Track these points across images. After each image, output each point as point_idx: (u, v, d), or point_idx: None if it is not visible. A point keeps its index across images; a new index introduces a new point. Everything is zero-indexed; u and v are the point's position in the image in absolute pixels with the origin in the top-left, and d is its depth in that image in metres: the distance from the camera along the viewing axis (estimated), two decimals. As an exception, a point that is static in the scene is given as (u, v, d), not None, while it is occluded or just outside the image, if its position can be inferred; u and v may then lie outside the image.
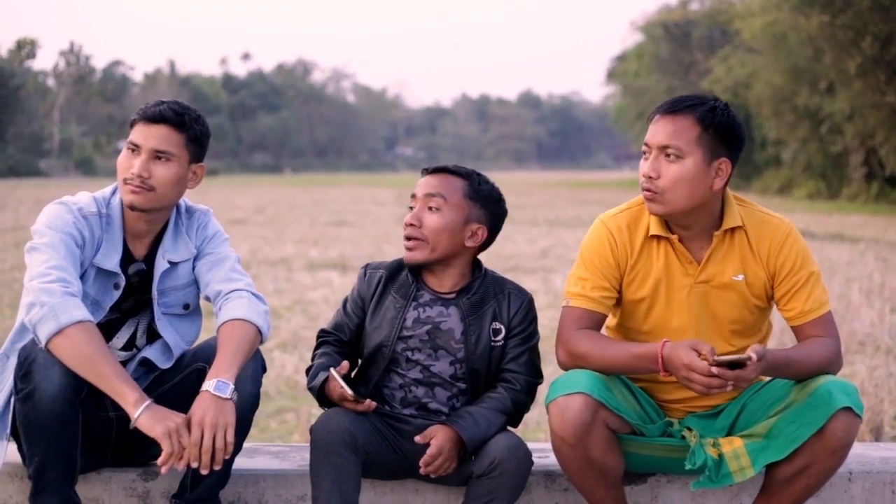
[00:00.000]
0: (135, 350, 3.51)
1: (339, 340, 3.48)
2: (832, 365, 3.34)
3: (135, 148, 3.42)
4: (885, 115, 30.79)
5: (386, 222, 21.73)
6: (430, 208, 3.41)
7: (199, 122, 3.49)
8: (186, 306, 3.57)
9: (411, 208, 3.44)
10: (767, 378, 3.42)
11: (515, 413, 3.40)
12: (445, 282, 3.45)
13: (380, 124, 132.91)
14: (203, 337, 3.60)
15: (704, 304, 3.36)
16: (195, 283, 3.57)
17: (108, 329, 3.42)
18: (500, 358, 3.42)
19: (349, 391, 3.23)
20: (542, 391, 3.35)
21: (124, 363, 3.42)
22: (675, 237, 3.38)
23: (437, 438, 3.23)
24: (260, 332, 3.35)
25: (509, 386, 3.39)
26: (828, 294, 3.42)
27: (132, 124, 3.46)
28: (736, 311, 3.36)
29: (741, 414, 3.37)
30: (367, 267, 3.53)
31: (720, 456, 3.26)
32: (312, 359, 3.48)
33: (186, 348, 3.57)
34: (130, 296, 3.49)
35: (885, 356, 7.25)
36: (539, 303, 10.25)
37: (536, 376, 3.45)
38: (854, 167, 35.86)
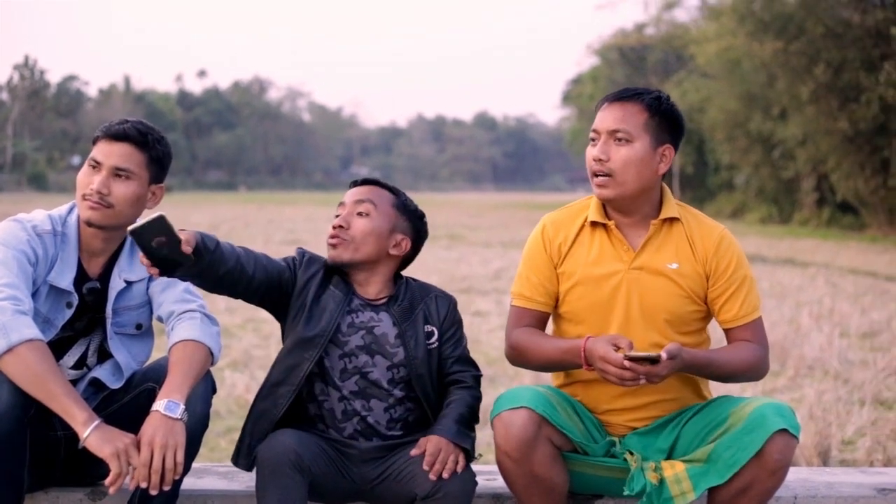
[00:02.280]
0: (85, 369, 3.48)
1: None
2: (755, 370, 3.42)
3: (96, 164, 3.41)
4: (836, 141, 31.09)
5: (340, 242, 21.70)
6: (359, 213, 3.46)
7: (161, 143, 3.50)
8: (139, 326, 3.55)
9: (337, 216, 3.48)
10: (707, 399, 3.47)
11: (476, 407, 3.43)
12: (371, 289, 3.48)
13: (335, 143, 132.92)
14: (155, 356, 3.58)
15: (637, 290, 3.41)
16: (148, 303, 3.55)
17: (59, 347, 3.39)
18: (438, 361, 3.45)
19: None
20: (488, 408, 3.37)
21: (74, 382, 3.39)
22: (612, 223, 3.46)
23: (430, 443, 3.24)
24: (211, 353, 3.35)
25: (462, 385, 3.44)
26: (760, 300, 3.48)
27: (95, 141, 3.45)
28: (669, 300, 3.41)
29: (680, 436, 3.39)
30: (303, 249, 3.55)
31: (661, 480, 3.29)
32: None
33: (137, 368, 3.55)
34: (84, 315, 3.46)
35: (834, 380, 7.30)
36: (492, 324, 10.30)
37: (478, 370, 3.52)
38: (806, 192, 36.18)
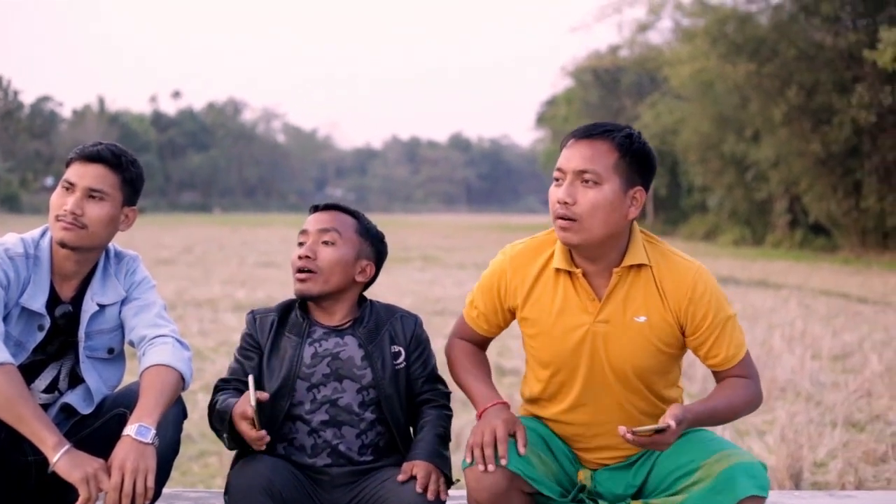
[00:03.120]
0: (57, 393, 3.47)
1: (240, 385, 3.45)
2: (752, 406, 3.32)
3: (69, 186, 3.41)
4: (809, 163, 31.27)
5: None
6: (324, 242, 3.45)
7: (134, 166, 3.50)
8: (111, 350, 3.54)
9: (301, 244, 3.48)
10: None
11: (449, 426, 3.44)
12: (336, 316, 3.48)
13: (310, 165, 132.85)
14: (127, 380, 3.58)
15: (602, 345, 3.25)
16: (121, 327, 3.54)
17: (31, 371, 3.38)
18: (406, 381, 3.45)
19: (251, 407, 3.17)
20: (461, 429, 3.36)
21: (46, 407, 3.38)
22: (579, 271, 3.27)
23: (418, 468, 3.23)
24: (183, 378, 3.33)
25: (433, 403, 3.45)
26: (743, 333, 3.36)
27: (68, 164, 3.46)
28: (636, 356, 3.24)
29: (652, 472, 3.31)
30: (254, 312, 3.55)
31: None
32: (211, 406, 3.42)
33: (108, 393, 3.54)
34: (56, 338, 3.45)
35: (805, 402, 7.33)
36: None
37: (446, 387, 3.53)
38: (778, 214, 36.34)
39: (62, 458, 3.01)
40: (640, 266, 3.27)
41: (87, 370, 3.47)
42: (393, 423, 3.39)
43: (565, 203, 3.17)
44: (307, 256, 3.44)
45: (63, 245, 3.40)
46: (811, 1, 28.96)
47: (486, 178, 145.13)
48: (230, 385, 3.46)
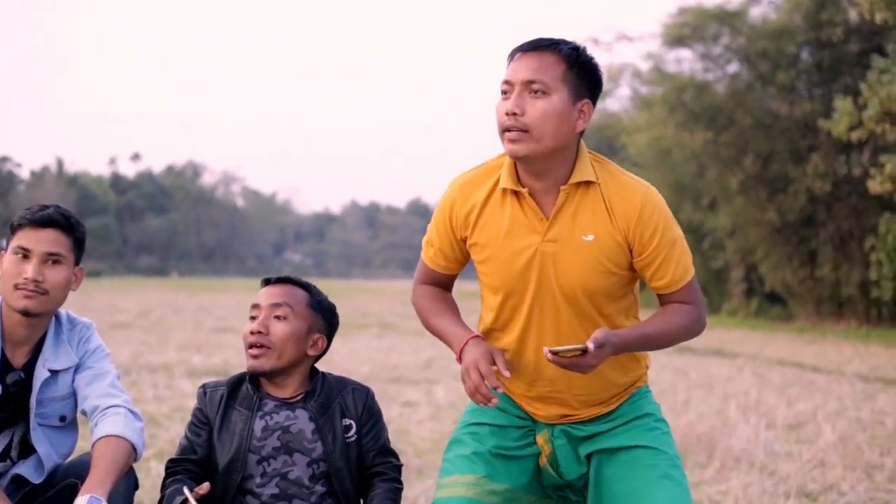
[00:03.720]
0: (9, 462, 3.44)
1: (190, 465, 3.43)
2: (691, 332, 3.34)
3: (25, 252, 3.40)
4: (765, 232, 31.53)
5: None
6: (276, 317, 3.45)
7: (81, 226, 3.53)
8: (63, 418, 3.52)
9: (253, 318, 3.48)
10: (636, 381, 3.45)
11: (398, 500, 3.43)
12: (287, 389, 3.48)
13: (269, 229, 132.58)
14: (80, 448, 3.55)
15: (551, 264, 3.22)
16: (73, 395, 3.52)
17: None
18: (358, 454, 3.44)
19: None
20: (415, 500, 3.34)
21: None
22: (525, 190, 3.24)
23: None
24: (135, 448, 3.33)
25: (384, 476, 3.44)
26: (691, 257, 3.35)
27: (15, 229, 3.45)
28: (585, 276, 3.22)
29: (601, 480, 3.35)
30: (204, 386, 3.55)
31: None
32: (163, 489, 3.38)
33: (60, 462, 3.51)
34: (7, 405, 3.42)
35: (760, 473, 7.33)
36: (421, 415, 10.22)
37: (398, 460, 3.53)
38: (735, 283, 36.55)
39: None
40: (587, 184, 3.24)
41: (39, 438, 3.45)
42: (343, 497, 3.38)
43: (514, 114, 3.15)
44: (259, 332, 3.44)
45: (27, 314, 3.41)
46: (767, 70, 29.33)
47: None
48: (180, 466, 3.43)
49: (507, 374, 3.12)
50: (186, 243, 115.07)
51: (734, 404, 10.69)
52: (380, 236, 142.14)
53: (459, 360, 3.21)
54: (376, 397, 3.61)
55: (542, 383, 3.35)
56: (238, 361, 14.33)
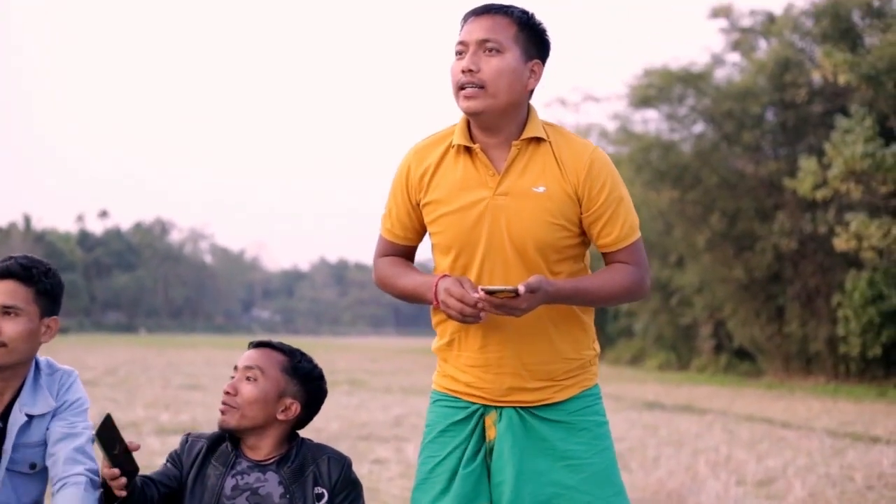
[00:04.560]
0: None
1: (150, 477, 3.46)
2: (632, 293, 3.39)
3: None
4: (732, 288, 31.66)
5: (240, 386, 21.42)
6: (247, 378, 3.48)
7: (48, 276, 3.48)
8: (33, 466, 3.50)
9: (233, 377, 3.50)
10: (585, 359, 3.47)
11: None
12: (261, 451, 3.48)
13: (237, 286, 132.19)
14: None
15: (503, 217, 3.30)
16: (45, 443, 3.51)
17: None
18: None
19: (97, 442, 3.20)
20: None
21: None
22: (477, 146, 3.33)
23: None
24: None
25: None
26: (637, 220, 3.43)
27: None
28: (536, 226, 3.29)
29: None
30: (188, 435, 3.58)
31: None
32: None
33: None
34: None
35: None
36: (391, 472, 10.20)
37: None
38: (703, 339, 36.64)
39: None
40: (538, 140, 3.36)
41: (4, 486, 3.42)
42: None
43: (469, 71, 3.28)
44: (228, 392, 3.47)
45: None
46: (732, 130, 29.60)
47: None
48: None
49: (474, 294, 3.16)
50: (154, 300, 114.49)
51: (704, 460, 10.71)
52: (349, 293, 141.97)
53: (436, 303, 3.28)
54: (335, 448, 3.61)
55: (491, 348, 3.39)
56: (206, 419, 14.26)
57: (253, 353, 3.57)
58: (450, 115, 3.54)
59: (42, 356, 3.60)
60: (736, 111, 28.98)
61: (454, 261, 3.37)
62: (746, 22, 30.12)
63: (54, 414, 3.52)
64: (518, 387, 3.40)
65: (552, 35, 3.44)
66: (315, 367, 3.62)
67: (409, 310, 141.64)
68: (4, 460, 3.44)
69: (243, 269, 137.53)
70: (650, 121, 32.65)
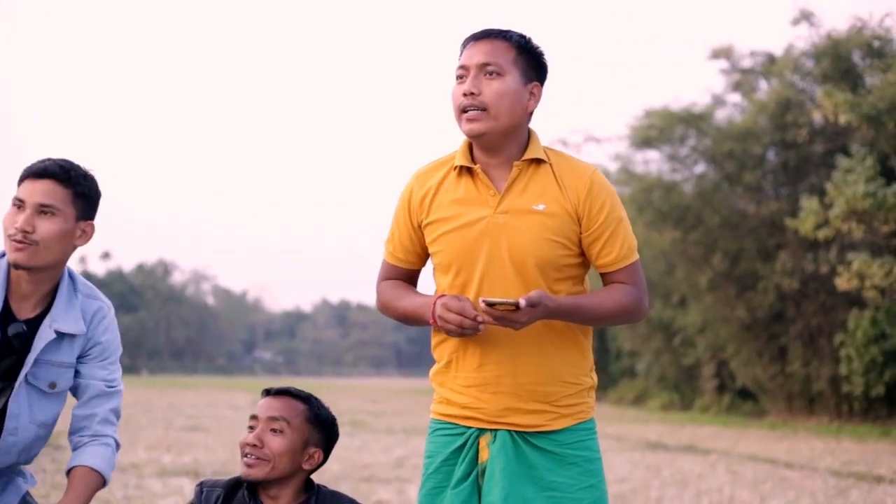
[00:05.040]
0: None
1: None
2: (629, 313, 3.43)
3: (20, 204, 3.40)
4: (735, 328, 31.63)
5: (241, 428, 21.25)
6: (273, 430, 3.46)
7: (86, 179, 3.50)
8: (52, 385, 3.50)
9: (251, 428, 3.49)
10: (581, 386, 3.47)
11: None
12: (280, 501, 3.48)
13: (239, 327, 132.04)
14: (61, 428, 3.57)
15: (504, 234, 3.35)
16: (72, 369, 3.51)
17: None
18: None
19: None
20: None
21: None
22: (478, 167, 3.42)
23: None
24: (105, 481, 3.48)
25: None
26: (636, 242, 3.49)
27: (20, 182, 3.44)
28: (536, 243, 3.34)
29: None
30: (202, 484, 3.57)
31: None
32: None
33: (34, 433, 3.48)
34: (7, 357, 3.41)
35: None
36: (393, 514, 10.09)
37: None
38: (706, 379, 36.55)
39: None
40: (539, 162, 3.43)
41: (19, 397, 3.42)
42: None
43: (471, 94, 3.37)
44: (255, 444, 3.45)
45: (16, 266, 3.39)
46: (734, 171, 29.65)
47: (416, 342, 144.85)
48: None
49: (473, 312, 3.21)
50: (156, 341, 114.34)
51: (707, 501, 10.68)
52: (350, 334, 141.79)
53: (433, 321, 3.32)
54: (349, 496, 3.61)
55: (489, 367, 3.41)
56: (208, 460, 14.25)
57: (274, 402, 3.55)
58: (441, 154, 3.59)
59: (85, 281, 3.65)
60: (737, 151, 29.04)
61: (454, 278, 3.42)
62: (747, 63, 30.26)
63: (88, 349, 3.55)
64: (514, 407, 3.41)
65: (550, 60, 3.52)
66: (329, 411, 3.64)
67: (411, 350, 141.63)
68: (25, 370, 3.43)
69: (245, 311, 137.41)
70: (651, 161, 32.74)
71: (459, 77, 3.43)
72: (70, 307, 3.52)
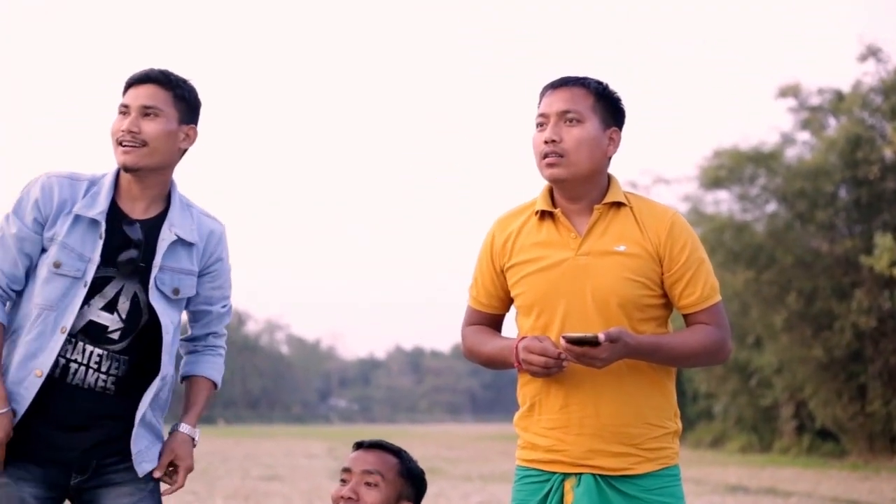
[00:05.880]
0: (116, 315, 3.58)
1: None
2: (711, 353, 3.44)
3: (125, 110, 3.58)
4: (812, 368, 31.25)
5: (318, 476, 21.49)
6: (367, 484, 3.52)
7: (186, 84, 3.66)
8: (176, 291, 3.65)
9: (343, 481, 3.54)
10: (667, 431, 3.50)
11: None
12: None
13: (313, 376, 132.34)
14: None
15: (585, 276, 3.39)
16: (194, 278, 3.69)
17: (94, 288, 3.54)
18: None
19: None
20: None
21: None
22: (558, 211, 3.49)
23: None
24: (216, 389, 3.94)
25: None
26: (718, 283, 3.50)
27: (124, 91, 3.63)
28: (618, 283, 3.38)
29: None
30: None
31: None
32: None
33: (173, 333, 3.68)
34: (122, 250, 3.55)
35: None
36: (472, 560, 10.14)
37: None
38: (785, 420, 36.10)
39: None
40: (619, 205, 3.50)
41: (155, 299, 3.60)
42: None
43: (552, 141, 3.45)
44: (350, 498, 3.50)
45: (126, 168, 3.56)
46: (806, 209, 29.42)
47: (491, 388, 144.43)
48: None
49: (555, 350, 3.27)
50: (232, 391, 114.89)
51: (788, 544, 10.58)
52: (425, 381, 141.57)
53: (517, 364, 3.37)
54: None
55: (573, 408, 3.44)
56: (286, 510, 14.31)
57: (367, 455, 3.60)
58: (514, 202, 3.66)
59: (195, 203, 3.82)
60: (808, 190, 28.83)
61: (535, 320, 3.47)
62: (815, 100, 30.04)
63: (210, 264, 3.74)
64: (598, 449, 3.43)
65: (627, 105, 3.58)
66: (418, 465, 3.69)
67: (486, 396, 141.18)
68: (154, 272, 3.59)
69: (319, 359, 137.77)
70: (722, 201, 32.56)
71: (540, 125, 3.53)
72: (184, 217, 3.69)
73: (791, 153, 30.71)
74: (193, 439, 3.74)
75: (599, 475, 3.42)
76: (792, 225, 30.53)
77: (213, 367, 3.88)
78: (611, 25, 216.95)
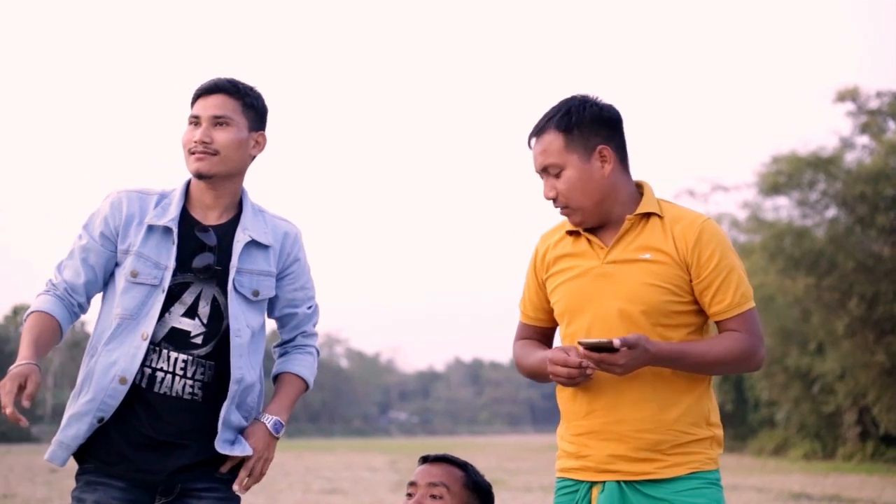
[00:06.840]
0: (197, 320, 3.61)
1: None
2: (741, 360, 3.38)
3: (195, 120, 3.64)
4: (875, 374, 30.93)
5: (379, 490, 21.53)
6: (433, 496, 3.55)
7: (253, 92, 3.72)
8: (255, 293, 3.68)
9: (409, 495, 3.55)
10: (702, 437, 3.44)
11: None
12: None
13: (373, 389, 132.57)
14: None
15: (612, 284, 3.40)
16: (273, 279, 3.73)
17: (173, 295, 3.60)
18: None
19: None
20: None
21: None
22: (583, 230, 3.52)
23: None
24: (308, 387, 3.92)
25: None
26: (751, 290, 3.44)
27: (192, 102, 3.69)
28: (643, 290, 3.36)
29: None
30: None
31: None
32: None
33: (249, 335, 3.68)
34: (198, 253, 3.61)
35: None
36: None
37: None
38: (848, 426, 35.75)
39: (12, 370, 3.37)
40: (650, 215, 3.47)
41: (233, 301, 3.63)
42: None
43: (552, 199, 3.49)
44: None
45: (199, 175, 3.62)
46: (866, 213, 29.14)
47: (550, 398, 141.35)
48: None
49: (576, 359, 3.27)
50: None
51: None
52: (484, 392, 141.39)
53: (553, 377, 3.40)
54: None
55: (597, 413, 3.43)
56: (348, 523, 14.34)
57: (433, 469, 3.62)
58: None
59: (264, 207, 3.87)
60: (868, 194, 28.56)
61: (567, 327, 3.51)
62: (873, 104, 29.79)
63: (289, 265, 3.79)
64: (620, 455, 3.41)
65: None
66: (485, 478, 3.70)
67: (546, 406, 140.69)
68: (231, 275, 3.63)
69: (379, 372, 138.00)
70: (781, 207, 32.33)
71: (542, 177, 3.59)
72: (257, 221, 3.75)
73: (850, 157, 30.46)
74: (270, 429, 3.70)
75: (623, 481, 3.40)
76: (852, 229, 30.25)
77: (300, 364, 3.86)
78: (668, 32, 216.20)
